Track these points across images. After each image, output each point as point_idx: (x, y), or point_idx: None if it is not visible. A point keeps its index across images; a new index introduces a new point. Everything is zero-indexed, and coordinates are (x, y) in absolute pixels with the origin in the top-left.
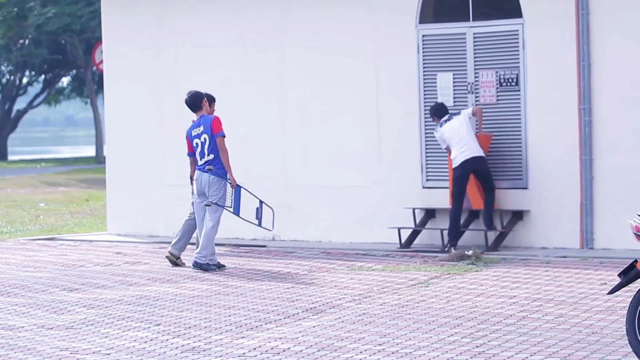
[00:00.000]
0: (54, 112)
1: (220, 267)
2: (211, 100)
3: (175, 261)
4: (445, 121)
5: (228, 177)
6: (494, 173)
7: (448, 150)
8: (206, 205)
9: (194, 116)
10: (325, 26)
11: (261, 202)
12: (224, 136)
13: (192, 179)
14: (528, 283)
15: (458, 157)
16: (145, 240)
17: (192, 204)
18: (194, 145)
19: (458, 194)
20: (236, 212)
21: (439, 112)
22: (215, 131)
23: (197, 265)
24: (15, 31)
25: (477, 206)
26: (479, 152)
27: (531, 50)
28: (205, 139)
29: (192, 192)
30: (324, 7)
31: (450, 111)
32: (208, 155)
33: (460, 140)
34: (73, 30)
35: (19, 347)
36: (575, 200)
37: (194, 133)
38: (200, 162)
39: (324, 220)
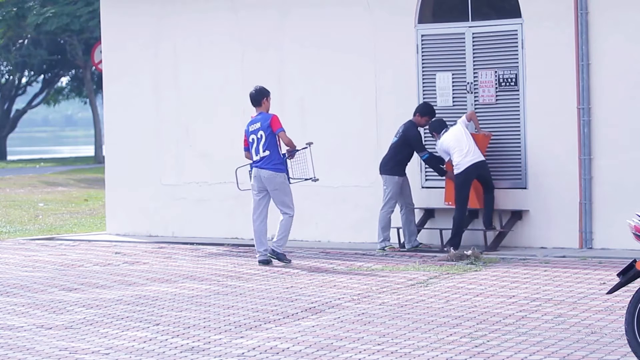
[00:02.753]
0: (53, 112)
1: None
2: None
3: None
4: (444, 133)
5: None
6: (493, 173)
7: (449, 162)
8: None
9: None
10: (324, 25)
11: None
12: (284, 130)
13: (250, 175)
14: (527, 283)
15: (462, 162)
16: (144, 240)
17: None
18: (250, 140)
19: (462, 199)
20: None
21: (437, 127)
22: (275, 128)
23: (274, 254)
24: (14, 31)
25: (475, 206)
26: (481, 157)
27: (530, 50)
28: (261, 135)
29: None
30: (323, 7)
31: (449, 112)
32: (263, 151)
33: (462, 146)
34: (72, 30)
35: (18, 347)
36: (574, 200)
37: (250, 129)
38: (255, 158)
39: (323, 220)
